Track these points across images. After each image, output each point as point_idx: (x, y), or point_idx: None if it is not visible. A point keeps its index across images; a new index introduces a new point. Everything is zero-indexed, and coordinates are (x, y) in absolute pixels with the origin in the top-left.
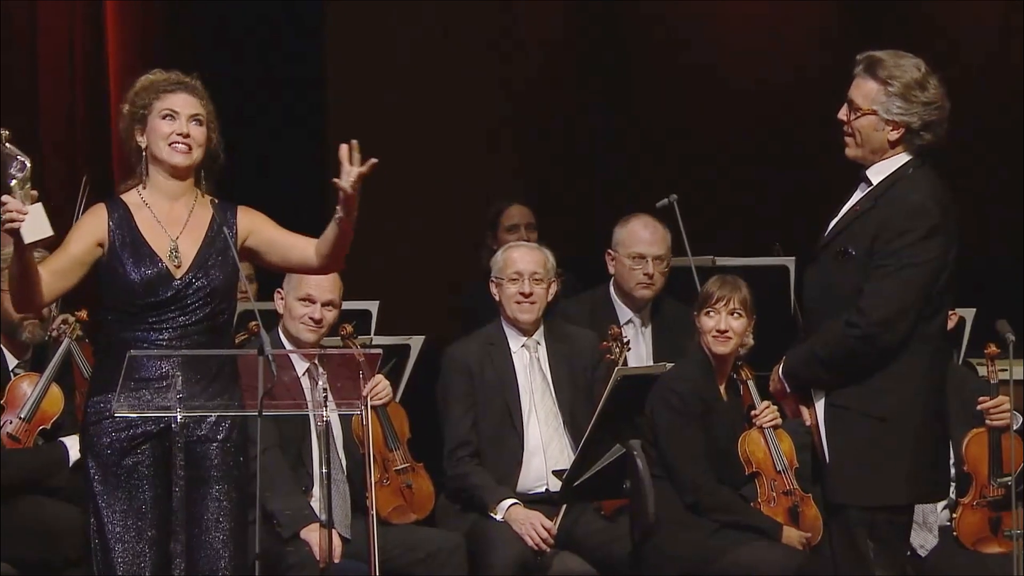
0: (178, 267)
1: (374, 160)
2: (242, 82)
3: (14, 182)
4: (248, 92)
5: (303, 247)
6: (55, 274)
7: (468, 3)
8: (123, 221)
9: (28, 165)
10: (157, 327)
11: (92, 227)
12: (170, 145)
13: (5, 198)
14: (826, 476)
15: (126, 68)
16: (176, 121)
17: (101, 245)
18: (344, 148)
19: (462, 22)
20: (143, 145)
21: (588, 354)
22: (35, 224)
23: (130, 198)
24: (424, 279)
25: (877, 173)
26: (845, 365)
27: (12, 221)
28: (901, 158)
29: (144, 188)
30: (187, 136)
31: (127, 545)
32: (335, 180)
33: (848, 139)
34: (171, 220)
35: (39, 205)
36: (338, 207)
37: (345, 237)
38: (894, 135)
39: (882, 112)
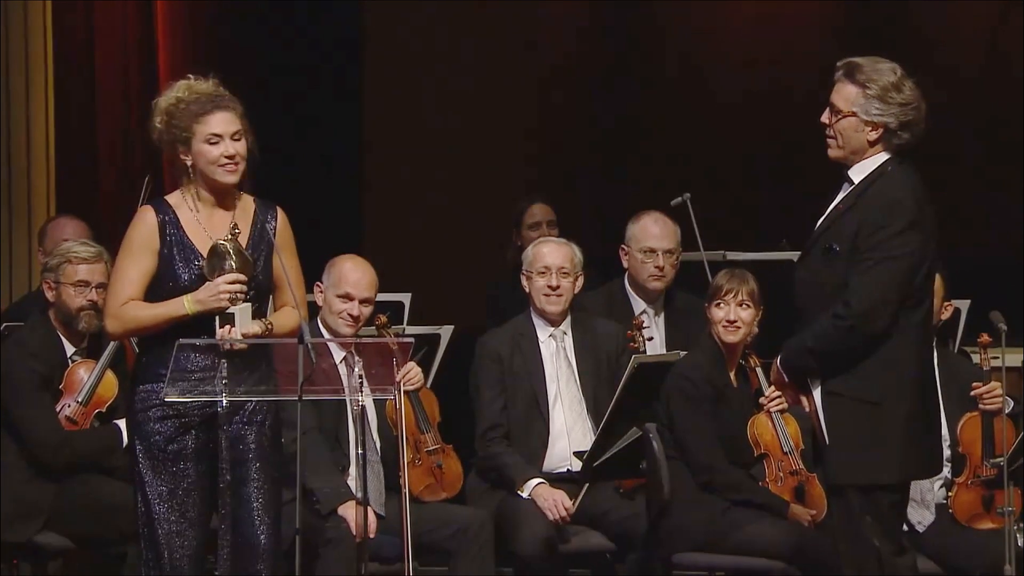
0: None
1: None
2: (283, 79)
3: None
4: (289, 89)
5: (279, 301)
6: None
7: (498, 10)
8: (171, 224)
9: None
10: (202, 324)
11: (148, 237)
12: (220, 167)
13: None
14: (825, 458)
15: (175, 67)
16: (221, 144)
17: (156, 251)
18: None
19: (493, 28)
20: (189, 163)
21: (612, 344)
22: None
23: (174, 199)
24: (454, 273)
25: (859, 172)
26: (834, 354)
27: (235, 294)
28: (881, 157)
29: (186, 191)
30: (233, 157)
31: (170, 525)
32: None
33: (830, 140)
34: (215, 223)
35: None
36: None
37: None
38: (873, 135)
39: (861, 114)
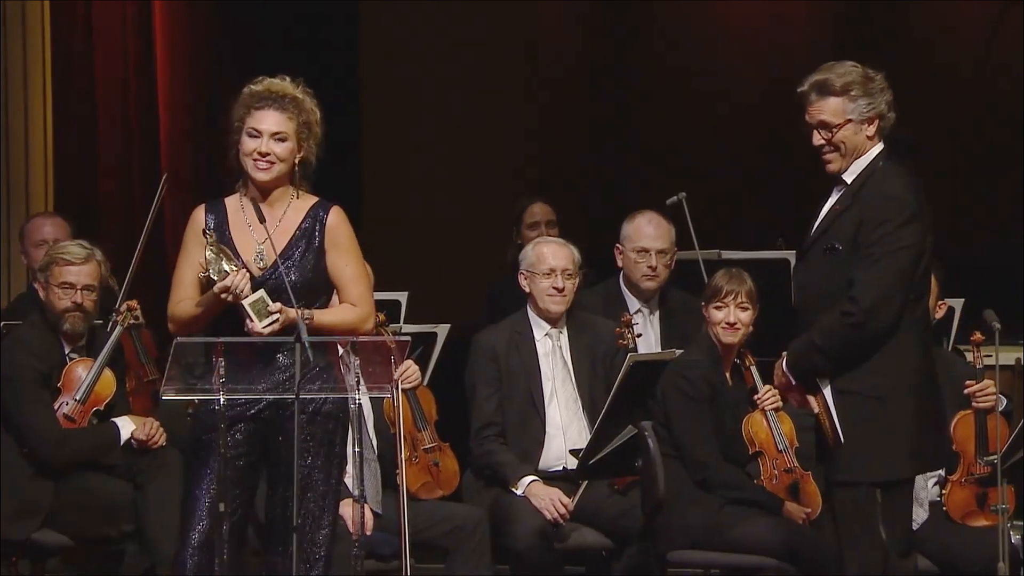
0: (261, 269)
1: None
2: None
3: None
4: None
5: (342, 301)
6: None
7: (496, 9)
8: (217, 224)
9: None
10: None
11: (195, 235)
12: (253, 161)
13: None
14: (837, 456)
15: (174, 68)
16: (259, 139)
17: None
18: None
19: (491, 27)
20: (238, 152)
21: (607, 342)
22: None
23: (231, 201)
24: (449, 272)
25: (850, 173)
26: (843, 352)
27: (237, 290)
28: (870, 154)
29: (243, 193)
30: (267, 155)
31: (202, 512)
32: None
33: (831, 155)
34: (261, 225)
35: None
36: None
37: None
38: (871, 129)
39: (856, 117)
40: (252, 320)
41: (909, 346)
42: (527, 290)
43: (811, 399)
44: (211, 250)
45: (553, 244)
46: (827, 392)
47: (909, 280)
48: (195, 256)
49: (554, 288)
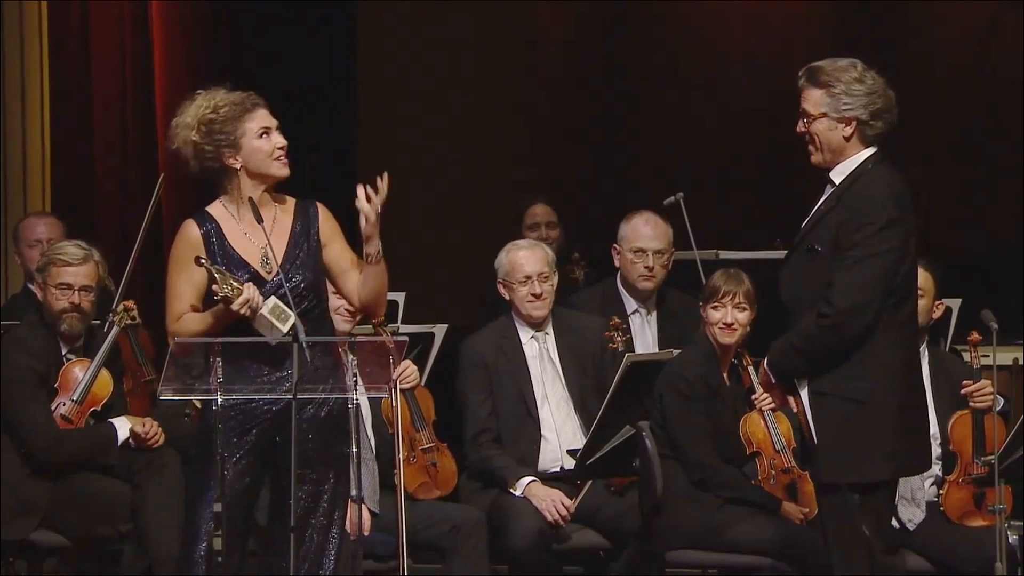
0: (269, 272)
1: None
2: (278, 78)
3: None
4: (284, 87)
5: (353, 282)
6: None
7: (494, 9)
8: (215, 234)
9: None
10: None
11: (192, 250)
12: (275, 160)
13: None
14: (815, 458)
15: (171, 68)
16: (273, 135)
17: None
18: (380, 183)
19: (489, 27)
20: (237, 165)
21: (594, 340)
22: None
23: (216, 210)
24: (446, 272)
25: (839, 174)
26: (819, 353)
27: (253, 303)
28: (860, 156)
29: (228, 200)
30: (284, 147)
31: (210, 515)
32: (359, 205)
33: (810, 147)
34: (257, 228)
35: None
36: (366, 244)
37: (379, 279)
38: (848, 131)
39: (832, 112)
40: (277, 327)
41: (888, 349)
42: (507, 298)
43: (791, 399)
44: (216, 272)
45: (524, 249)
46: (804, 393)
47: (888, 284)
48: (190, 270)
49: (532, 295)
